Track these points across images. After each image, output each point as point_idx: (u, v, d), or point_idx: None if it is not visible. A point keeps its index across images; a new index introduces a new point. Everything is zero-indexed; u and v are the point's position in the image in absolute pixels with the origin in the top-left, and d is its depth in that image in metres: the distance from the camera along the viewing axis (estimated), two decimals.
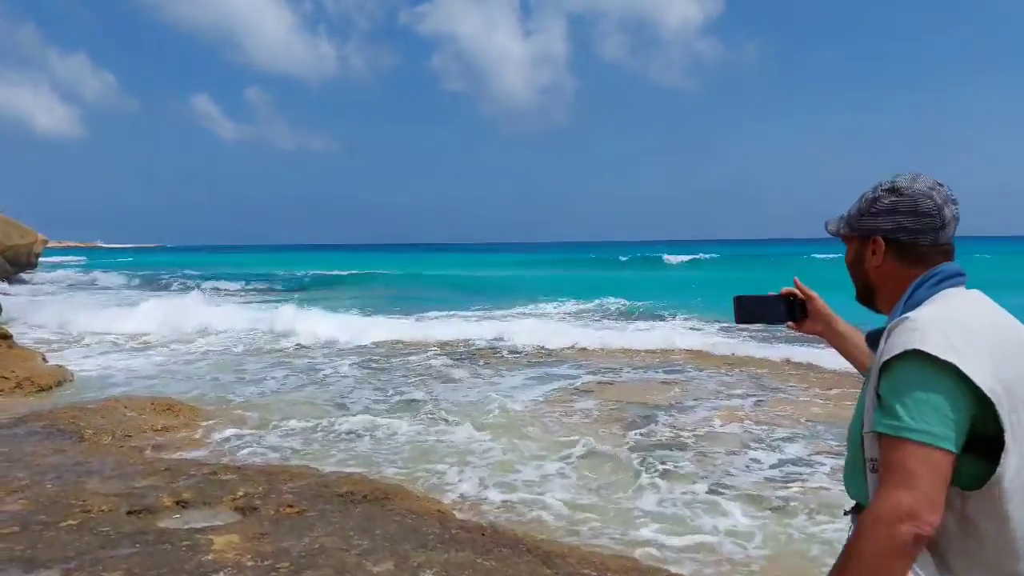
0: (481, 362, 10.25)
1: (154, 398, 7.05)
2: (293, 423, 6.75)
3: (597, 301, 19.22)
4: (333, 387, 8.58)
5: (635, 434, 6.40)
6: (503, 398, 7.80)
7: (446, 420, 6.88)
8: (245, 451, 5.70)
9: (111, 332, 13.59)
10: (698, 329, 13.21)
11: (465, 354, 10.98)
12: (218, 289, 28.94)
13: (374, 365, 10.06)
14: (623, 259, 47.64)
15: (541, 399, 7.84)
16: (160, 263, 55.55)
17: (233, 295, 26.51)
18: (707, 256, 46.73)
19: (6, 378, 8.20)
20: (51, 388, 8.50)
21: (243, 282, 32.67)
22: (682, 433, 6.42)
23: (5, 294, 22.04)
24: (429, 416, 7.07)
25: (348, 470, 4.92)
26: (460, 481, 5.07)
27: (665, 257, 45.79)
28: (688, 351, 10.78)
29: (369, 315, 15.83)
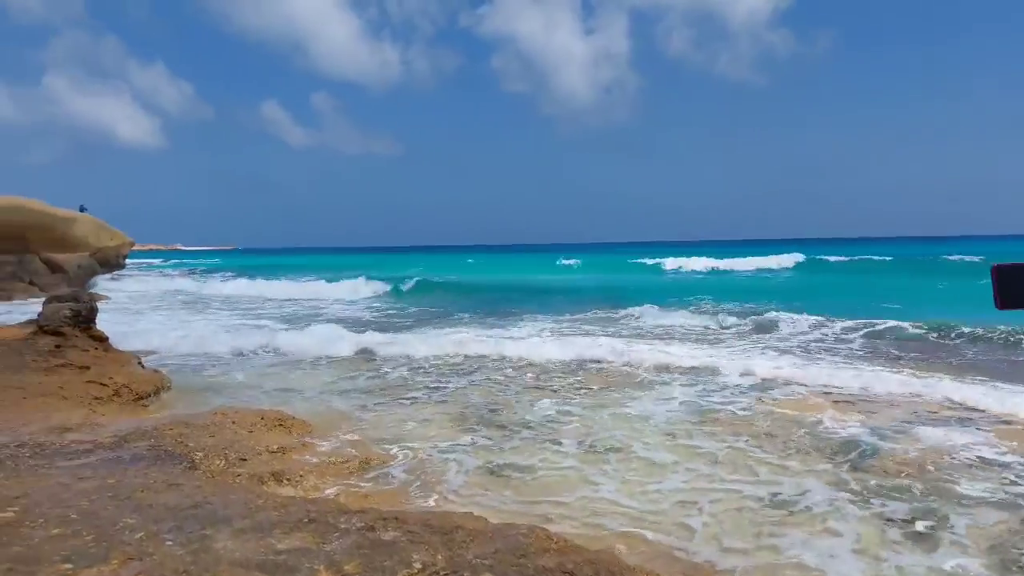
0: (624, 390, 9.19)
1: (262, 411, 6.26)
2: (421, 446, 5.85)
3: (773, 313, 15.01)
4: (455, 402, 7.67)
5: None
6: (635, 431, 6.73)
7: (613, 450, 5.84)
8: (383, 483, 4.81)
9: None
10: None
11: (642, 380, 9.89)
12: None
13: (497, 377, 9.13)
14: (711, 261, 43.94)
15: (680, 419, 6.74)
16: (251, 265, 56.46)
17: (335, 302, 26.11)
18: (806, 258, 42.64)
19: (104, 385, 7.59)
20: (149, 396, 7.87)
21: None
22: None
23: (106, 296, 22.24)
24: (609, 446, 6.06)
25: (530, 521, 3.94)
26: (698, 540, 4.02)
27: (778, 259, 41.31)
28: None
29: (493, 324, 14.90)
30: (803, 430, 6.25)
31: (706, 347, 11.13)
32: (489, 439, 6.06)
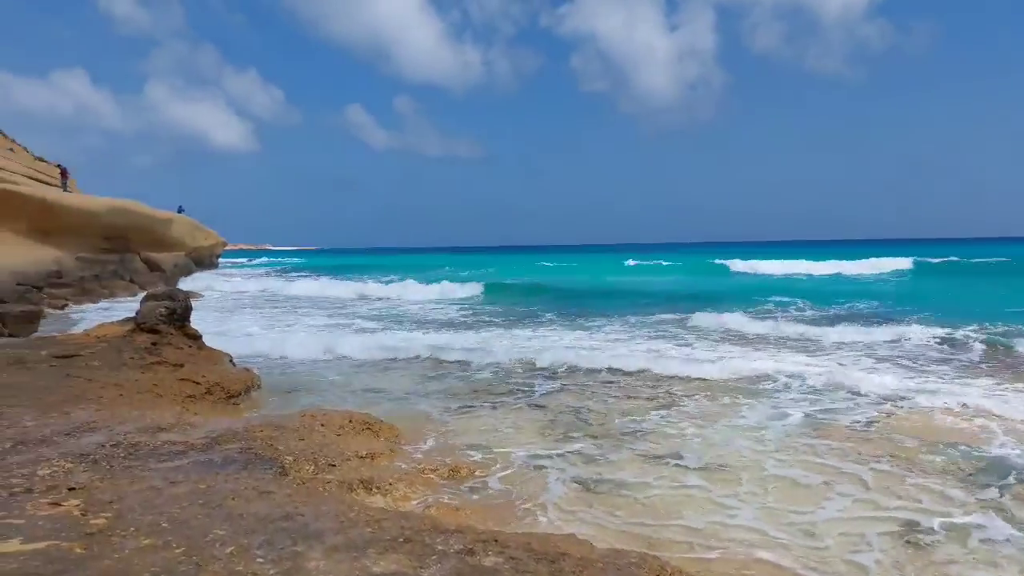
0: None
1: (350, 413, 6.13)
2: (513, 454, 5.59)
3: (880, 318, 14.13)
4: (544, 407, 7.39)
5: None
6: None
7: (741, 468, 5.43)
8: (475, 496, 4.57)
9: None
10: None
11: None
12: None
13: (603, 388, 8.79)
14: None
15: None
16: (335, 265, 57.88)
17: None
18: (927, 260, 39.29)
19: (197, 383, 7.67)
20: (240, 395, 7.92)
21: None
22: None
23: (199, 295, 23.11)
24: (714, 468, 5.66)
25: (642, 547, 3.60)
26: None
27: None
28: None
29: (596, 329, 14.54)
30: (946, 449, 5.66)
31: (811, 355, 10.46)
32: (586, 449, 5.73)
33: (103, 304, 21.59)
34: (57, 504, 3.47)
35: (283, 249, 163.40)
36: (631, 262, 47.14)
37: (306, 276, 40.15)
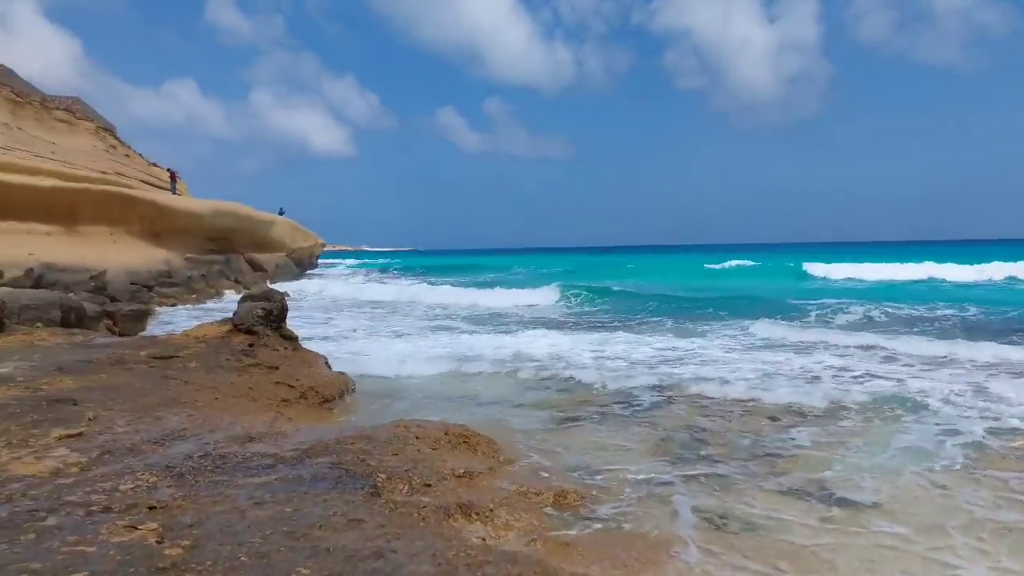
0: None
1: (446, 425, 5.71)
2: (623, 478, 5.02)
3: None
4: (655, 423, 6.76)
5: None
6: None
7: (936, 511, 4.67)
8: (586, 528, 4.03)
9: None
10: None
11: None
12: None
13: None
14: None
15: None
16: (430, 266, 58.62)
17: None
18: None
19: (292, 387, 7.46)
20: (334, 399, 7.67)
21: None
22: None
23: (293, 294, 23.61)
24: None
25: None
26: None
27: None
28: None
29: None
30: None
31: (947, 369, 9.36)
32: (709, 476, 5.09)
33: (209, 304, 22.31)
34: (134, 528, 3.16)
35: (379, 250, 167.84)
36: (731, 263, 45.19)
37: (402, 277, 40.65)
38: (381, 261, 72.96)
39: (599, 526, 4.14)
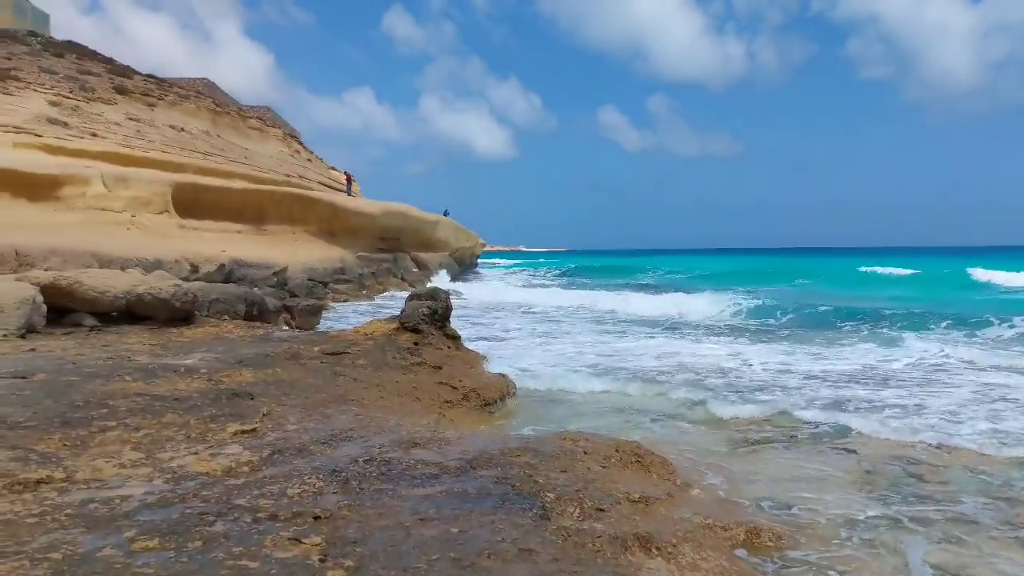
0: None
1: (617, 442, 5.25)
2: (825, 517, 4.32)
3: None
4: (855, 452, 5.93)
5: None
6: None
7: None
8: None
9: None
10: None
11: None
12: None
13: None
14: None
15: None
16: (589, 267, 58.40)
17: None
18: None
19: (454, 388, 7.33)
20: (495, 402, 7.47)
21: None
22: None
23: (459, 293, 24.13)
24: None
25: None
26: None
27: None
28: None
29: None
30: None
31: None
32: (934, 520, 4.28)
33: (377, 300, 23.27)
34: (297, 541, 3.00)
35: (535, 250, 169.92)
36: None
37: (561, 278, 40.61)
38: (539, 261, 73.59)
39: None
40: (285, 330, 10.99)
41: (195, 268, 17.33)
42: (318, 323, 14.16)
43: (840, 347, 11.98)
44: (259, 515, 3.27)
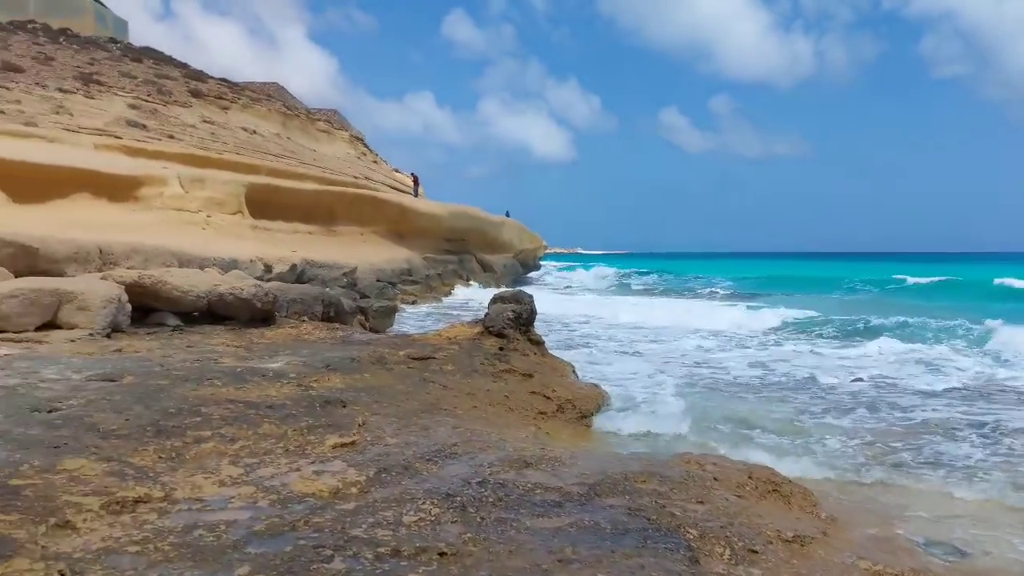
0: None
1: (748, 467, 4.71)
2: (1008, 557, 3.70)
3: None
4: None
5: None
6: None
7: None
8: None
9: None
10: None
11: None
12: None
13: None
14: None
15: None
16: (651, 269, 57.32)
17: None
18: None
19: (548, 398, 6.89)
20: (591, 414, 7.00)
21: None
22: None
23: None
24: None
25: None
26: None
27: None
28: None
29: None
30: None
31: None
32: None
33: (445, 301, 23.05)
34: None
35: (593, 253, 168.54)
36: None
37: (623, 279, 39.87)
38: (599, 264, 72.59)
39: None
40: (362, 332, 10.74)
41: (268, 268, 17.36)
42: (391, 325, 13.95)
43: (959, 355, 11.05)
44: (380, 550, 2.88)
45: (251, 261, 16.92)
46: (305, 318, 10.35)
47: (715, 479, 4.44)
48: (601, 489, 4.00)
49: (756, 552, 3.46)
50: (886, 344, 12.27)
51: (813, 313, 17.92)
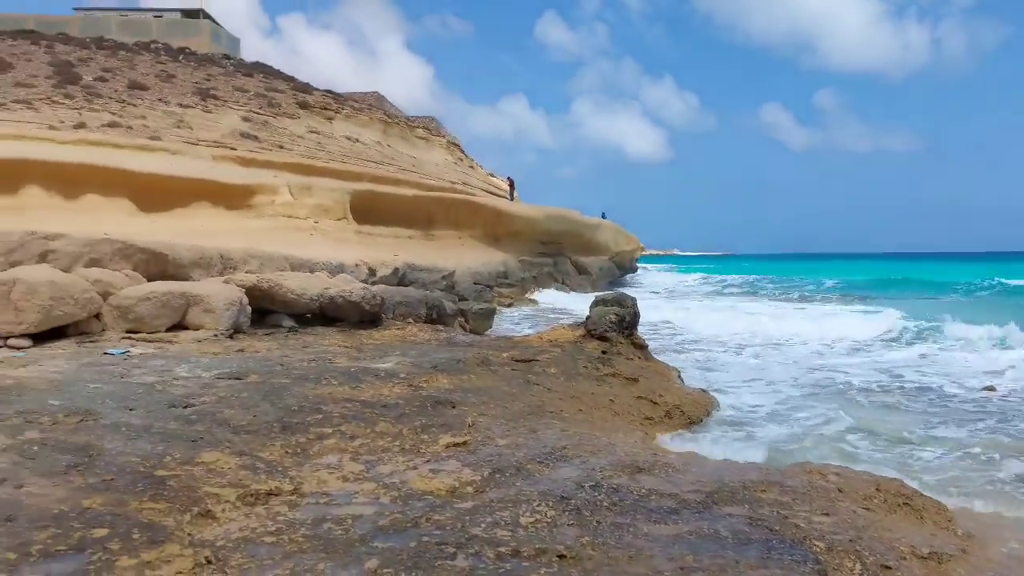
0: None
1: (876, 479, 4.47)
2: None
3: None
4: None
5: None
6: None
7: None
8: None
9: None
10: None
11: None
12: None
13: None
14: None
15: None
16: (756, 271, 55.58)
17: None
18: None
19: (655, 403, 6.77)
20: (700, 421, 6.82)
21: None
22: None
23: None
24: None
25: None
26: None
27: None
28: None
29: None
30: None
31: None
32: None
33: (540, 304, 23.10)
34: None
35: (690, 254, 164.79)
36: None
37: (726, 282, 38.81)
38: (697, 265, 70.96)
39: None
40: (464, 334, 10.91)
41: (372, 271, 17.90)
42: (490, 327, 14.08)
43: None
44: (500, 549, 2.90)
45: (356, 265, 17.49)
46: (410, 320, 10.61)
47: (839, 490, 4.24)
48: (719, 497, 3.89)
49: (889, 568, 3.27)
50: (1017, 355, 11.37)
51: (933, 317, 16.84)
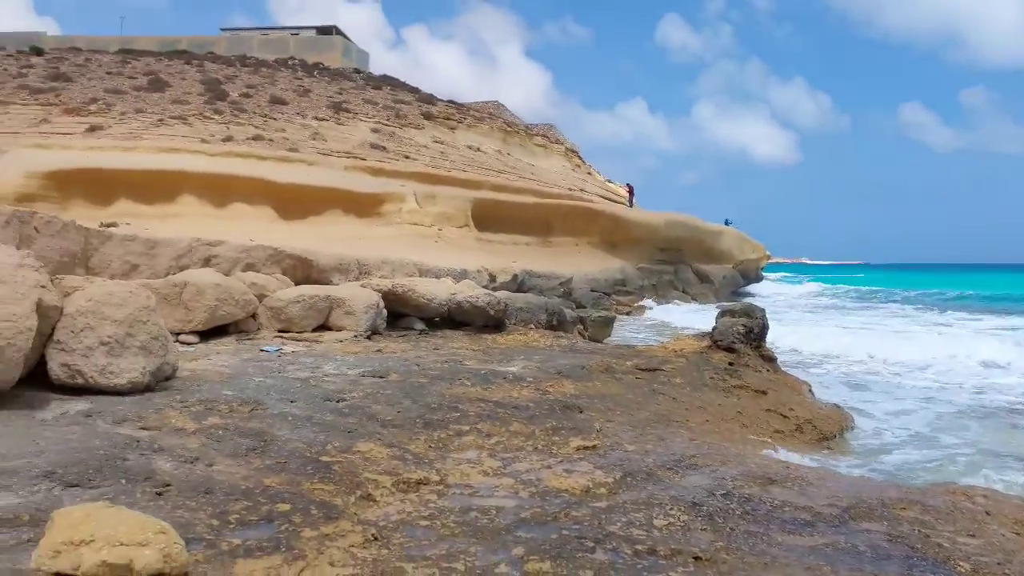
0: None
1: None
2: None
3: None
4: None
5: None
6: None
7: None
8: None
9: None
10: None
11: None
12: None
13: None
14: None
15: None
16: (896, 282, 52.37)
17: None
18: None
19: (785, 417, 6.66)
20: (833, 437, 6.65)
21: None
22: None
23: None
24: None
25: None
26: None
27: None
28: None
29: None
30: None
31: None
32: None
33: (659, 312, 22.86)
34: None
35: (820, 263, 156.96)
36: None
37: (864, 290, 36.80)
38: (828, 275, 67.41)
39: None
40: (585, 342, 11.05)
41: (492, 278, 18.38)
42: (609, 335, 14.13)
43: None
44: (637, 547, 3.04)
45: (478, 271, 18.02)
46: (531, 326, 10.87)
47: (987, 513, 4.06)
48: (856, 512, 3.84)
49: None
50: None
51: None
